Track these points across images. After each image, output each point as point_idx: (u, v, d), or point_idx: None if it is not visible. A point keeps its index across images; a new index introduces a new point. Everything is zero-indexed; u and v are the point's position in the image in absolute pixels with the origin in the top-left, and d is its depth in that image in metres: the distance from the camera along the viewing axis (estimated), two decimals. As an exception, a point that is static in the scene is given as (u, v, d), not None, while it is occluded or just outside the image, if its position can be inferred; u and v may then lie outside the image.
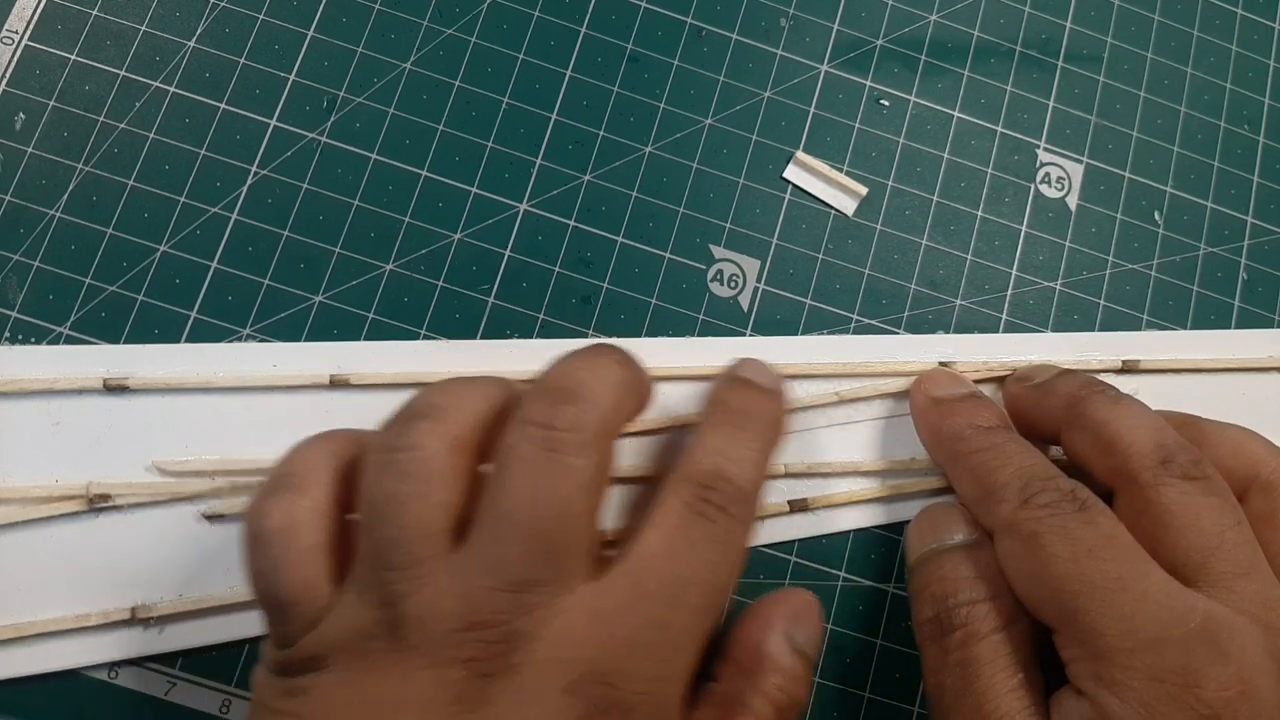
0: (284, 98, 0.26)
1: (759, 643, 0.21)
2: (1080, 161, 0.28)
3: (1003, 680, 0.20)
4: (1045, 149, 0.28)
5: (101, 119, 0.25)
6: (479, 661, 0.17)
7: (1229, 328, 0.28)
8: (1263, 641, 0.18)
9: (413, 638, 0.18)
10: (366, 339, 0.25)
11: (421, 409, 0.19)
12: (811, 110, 0.28)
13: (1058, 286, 0.27)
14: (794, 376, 0.25)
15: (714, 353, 0.25)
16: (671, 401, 0.25)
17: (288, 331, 0.25)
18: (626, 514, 0.24)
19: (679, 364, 0.25)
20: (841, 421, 0.25)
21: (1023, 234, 0.28)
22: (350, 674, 0.18)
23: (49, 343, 0.24)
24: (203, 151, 0.25)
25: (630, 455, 0.24)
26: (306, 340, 0.25)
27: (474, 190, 0.26)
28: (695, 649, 0.19)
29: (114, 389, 0.23)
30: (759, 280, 0.26)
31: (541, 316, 0.26)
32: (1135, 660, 0.18)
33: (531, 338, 0.25)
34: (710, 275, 0.26)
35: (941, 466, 0.24)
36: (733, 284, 0.26)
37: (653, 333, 0.26)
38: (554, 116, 0.27)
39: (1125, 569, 0.19)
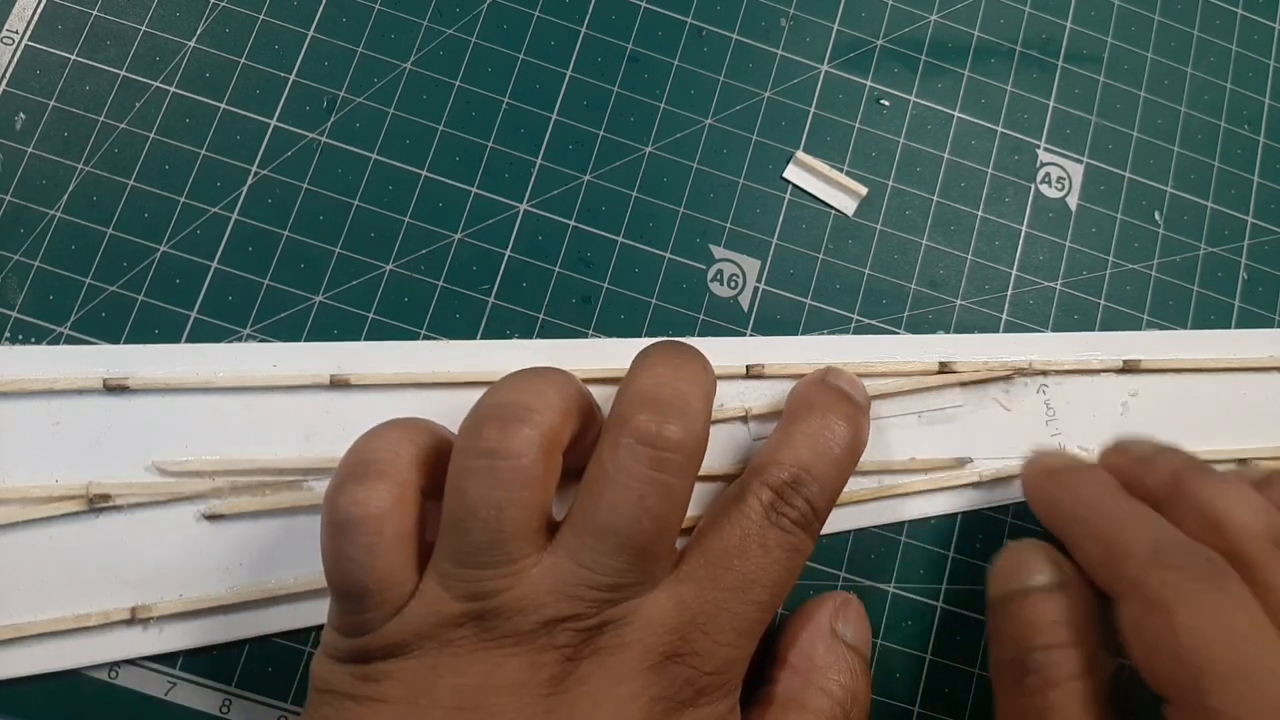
0: (284, 98, 0.26)
1: (809, 643, 0.22)
2: (1080, 161, 0.28)
3: None
4: (1045, 149, 0.28)
5: (101, 119, 0.25)
6: (571, 647, 0.19)
7: (1229, 328, 0.28)
8: None
9: (504, 628, 0.18)
10: (366, 339, 0.25)
11: (513, 410, 0.19)
12: (811, 110, 0.28)
13: (1058, 286, 0.27)
14: (794, 376, 0.25)
15: (714, 353, 0.25)
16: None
17: (288, 331, 0.25)
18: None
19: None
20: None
21: (1023, 234, 0.28)
22: (437, 659, 0.18)
23: (49, 343, 0.24)
24: (203, 151, 0.25)
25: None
26: (306, 340, 0.25)
27: (474, 190, 0.26)
28: (756, 638, 0.20)
29: (114, 389, 0.23)
30: (759, 280, 0.26)
31: (541, 316, 0.26)
32: None
33: (531, 338, 0.25)
34: (710, 275, 0.26)
35: (1062, 537, 0.23)
36: (733, 284, 0.26)
37: (653, 333, 0.26)
38: (554, 116, 0.27)
39: (1261, 650, 0.18)
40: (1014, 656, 0.21)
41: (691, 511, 0.24)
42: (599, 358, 0.25)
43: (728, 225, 0.27)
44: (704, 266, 0.26)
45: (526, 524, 0.19)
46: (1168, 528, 0.21)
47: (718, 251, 0.26)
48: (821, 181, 0.27)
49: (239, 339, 0.25)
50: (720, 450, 0.25)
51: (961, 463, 0.25)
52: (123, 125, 0.25)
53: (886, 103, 0.28)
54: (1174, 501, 0.21)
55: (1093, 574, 0.21)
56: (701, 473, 0.24)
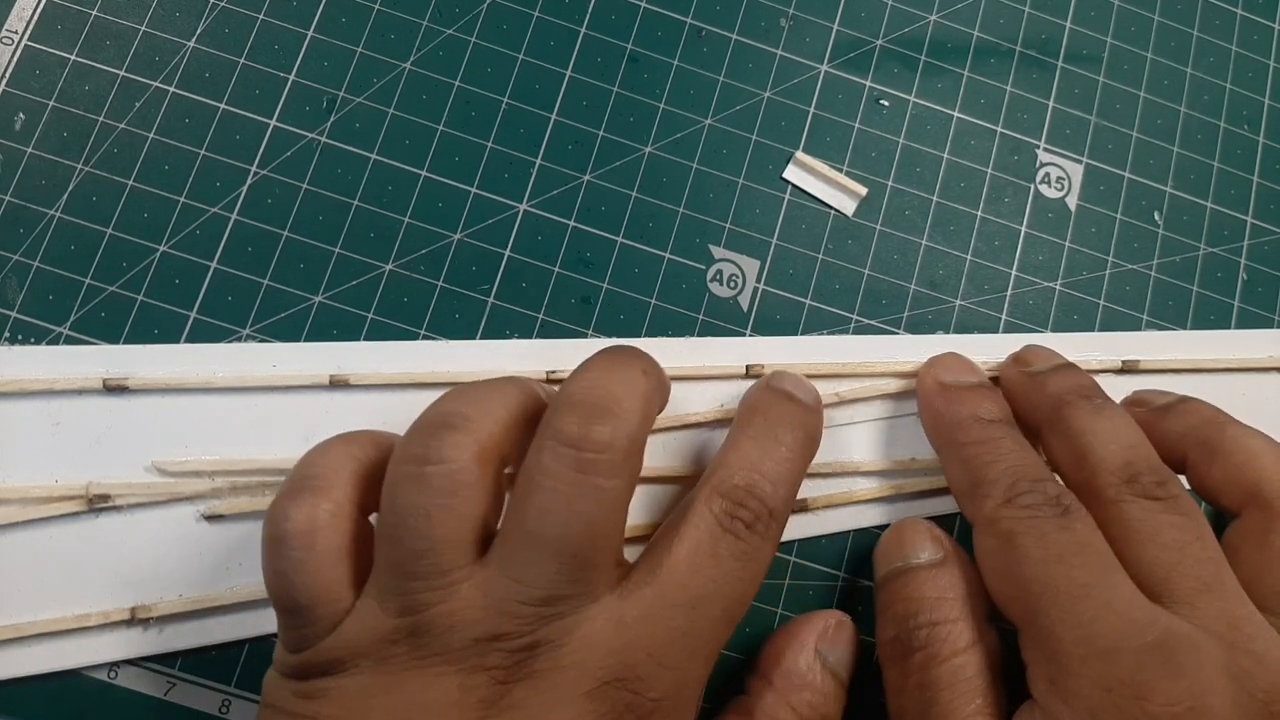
0: (284, 98, 0.26)
1: (791, 659, 0.22)
2: (1080, 161, 0.28)
3: (961, 705, 0.19)
4: (1045, 149, 0.28)
5: (101, 119, 0.25)
6: (503, 669, 0.18)
7: (1229, 328, 0.28)
8: (1223, 660, 0.18)
9: (435, 645, 0.18)
10: (366, 339, 0.25)
11: (448, 418, 0.19)
12: (811, 110, 0.28)
13: (1058, 286, 0.27)
14: (794, 376, 0.25)
15: (714, 353, 0.25)
16: (672, 401, 0.25)
17: (288, 331, 0.25)
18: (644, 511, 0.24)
19: (679, 364, 0.25)
20: (842, 422, 0.25)
21: (1023, 234, 0.28)
22: (371, 678, 0.18)
23: (49, 343, 0.24)
24: (203, 151, 0.25)
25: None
26: (306, 340, 0.25)
27: (474, 190, 0.26)
28: (712, 657, 0.19)
29: (114, 389, 0.23)
30: (759, 280, 0.26)
31: (541, 316, 0.26)
32: (1087, 667, 0.18)
33: (531, 338, 0.25)
34: (710, 275, 0.26)
35: (938, 451, 0.24)
36: (732, 284, 0.26)
37: (652, 333, 0.26)
38: (554, 116, 0.27)
39: (1092, 577, 0.19)
40: (897, 635, 0.21)
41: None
42: (599, 358, 0.25)
43: (727, 225, 0.27)
44: (704, 266, 0.26)
45: (458, 533, 0.18)
46: (1030, 463, 0.21)
47: (717, 251, 0.26)
48: (821, 181, 0.27)
49: (239, 339, 0.25)
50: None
51: (961, 463, 0.25)
52: (122, 125, 0.25)
53: (886, 103, 0.28)
54: (1052, 428, 0.22)
55: (957, 500, 0.22)
56: (697, 475, 0.24)
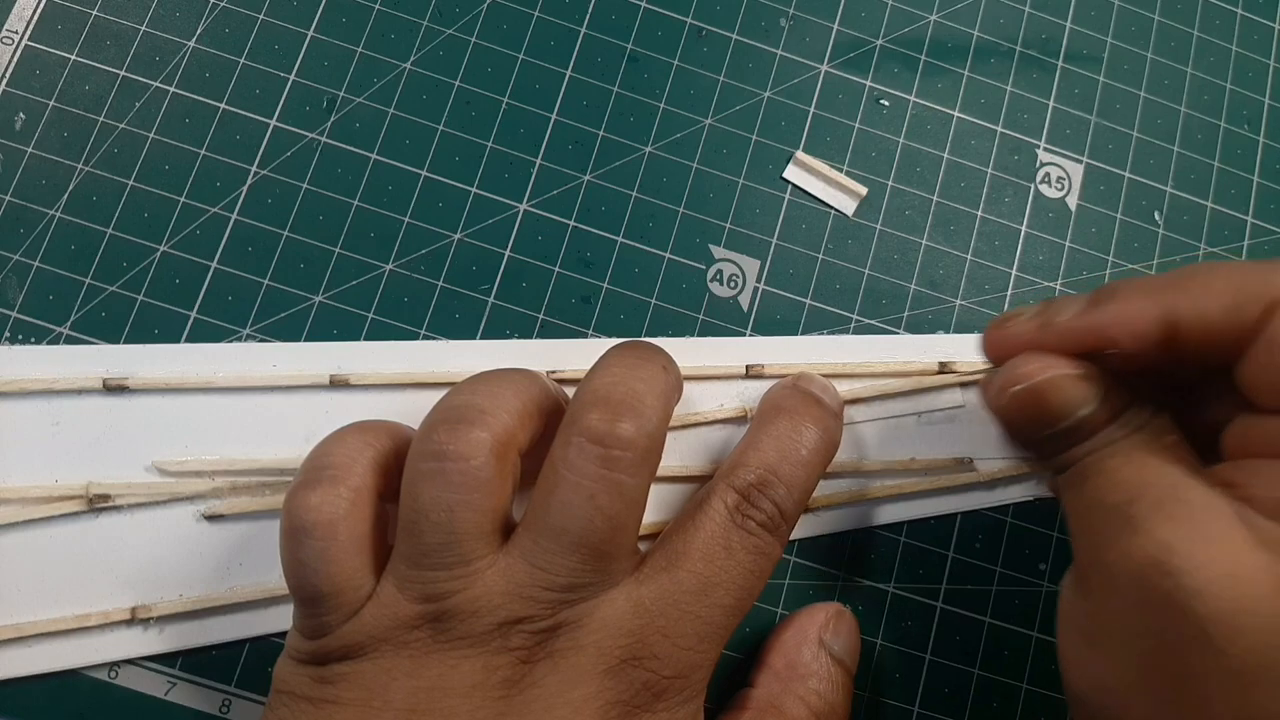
0: (284, 98, 0.26)
1: (795, 650, 0.22)
2: (1080, 161, 0.28)
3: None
4: (1045, 149, 0.28)
5: (101, 119, 0.25)
6: (525, 649, 0.19)
7: (1229, 328, 0.28)
8: None
9: (458, 630, 0.18)
10: (366, 339, 0.25)
11: (465, 412, 0.19)
12: (811, 110, 0.28)
13: (1058, 286, 0.27)
14: (794, 376, 0.25)
15: (714, 352, 0.25)
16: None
17: (288, 331, 0.25)
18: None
19: (679, 364, 0.25)
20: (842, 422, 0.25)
21: (1023, 234, 0.28)
22: (392, 661, 0.18)
23: (49, 343, 0.24)
24: (203, 151, 0.25)
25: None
26: (306, 340, 0.25)
27: (474, 190, 0.26)
28: (722, 643, 0.20)
29: (114, 389, 0.23)
30: (759, 280, 0.26)
31: (541, 316, 0.26)
32: None
33: (531, 338, 0.25)
34: (710, 275, 0.26)
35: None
36: (732, 284, 0.26)
37: (653, 333, 0.26)
38: (554, 116, 0.27)
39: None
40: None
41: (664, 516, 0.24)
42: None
43: (728, 225, 0.27)
44: (704, 266, 0.26)
45: (479, 525, 0.18)
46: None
47: (718, 251, 0.26)
48: (821, 181, 0.27)
49: (239, 339, 0.25)
50: (719, 451, 0.25)
51: (961, 463, 0.25)
52: (123, 125, 0.25)
53: (886, 103, 0.28)
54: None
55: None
56: (696, 473, 0.24)
